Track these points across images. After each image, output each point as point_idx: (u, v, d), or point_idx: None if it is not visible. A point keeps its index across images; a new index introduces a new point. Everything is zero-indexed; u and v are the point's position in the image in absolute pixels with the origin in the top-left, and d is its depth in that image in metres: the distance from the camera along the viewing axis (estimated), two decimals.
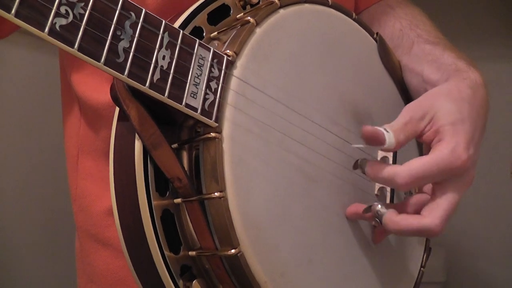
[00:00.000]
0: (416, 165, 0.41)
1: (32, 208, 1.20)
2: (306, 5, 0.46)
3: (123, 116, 0.39)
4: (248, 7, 0.44)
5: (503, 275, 1.54)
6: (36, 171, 1.20)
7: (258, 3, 0.44)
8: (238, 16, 0.43)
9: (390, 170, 0.41)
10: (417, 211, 0.44)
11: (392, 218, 0.42)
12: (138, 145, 0.37)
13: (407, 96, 0.55)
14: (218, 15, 0.42)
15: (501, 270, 1.55)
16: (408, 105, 0.45)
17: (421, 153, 0.55)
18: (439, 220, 0.42)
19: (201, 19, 0.41)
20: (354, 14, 0.51)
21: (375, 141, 0.42)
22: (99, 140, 0.54)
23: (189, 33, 0.39)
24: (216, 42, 0.41)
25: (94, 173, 0.55)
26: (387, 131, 0.42)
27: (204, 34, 0.41)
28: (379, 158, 0.48)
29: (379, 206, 0.43)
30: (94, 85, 0.52)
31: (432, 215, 0.42)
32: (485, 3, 1.56)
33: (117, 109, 0.40)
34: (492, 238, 1.56)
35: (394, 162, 0.49)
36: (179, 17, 0.41)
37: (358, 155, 0.47)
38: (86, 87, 0.53)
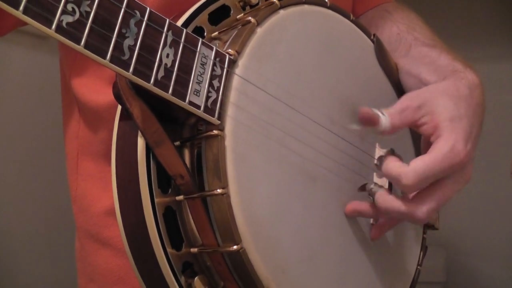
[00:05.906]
0: (421, 165, 0.42)
1: (32, 209, 1.20)
2: (306, 6, 0.46)
3: (125, 115, 0.39)
4: (247, 8, 0.45)
5: (503, 275, 1.55)
6: (37, 172, 1.21)
7: (258, 4, 0.45)
8: (238, 16, 0.44)
9: (398, 170, 0.42)
10: None
11: (384, 196, 0.44)
12: (141, 143, 0.37)
13: None
14: (219, 16, 0.43)
15: (501, 270, 1.55)
16: (406, 94, 0.46)
17: (416, 149, 0.56)
18: (426, 209, 0.43)
19: (202, 19, 0.42)
20: (351, 16, 0.51)
21: (370, 122, 0.43)
22: (98, 141, 0.54)
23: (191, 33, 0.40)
24: (217, 42, 0.42)
25: (94, 174, 0.55)
26: (384, 114, 0.43)
27: (205, 34, 0.42)
28: (376, 156, 0.48)
29: (373, 184, 0.46)
30: (93, 87, 0.52)
31: (422, 202, 0.43)
32: (485, 3, 1.57)
33: (119, 108, 0.40)
34: (492, 238, 1.56)
35: None
36: (180, 17, 0.41)
37: (358, 155, 0.48)
38: (85, 89, 0.53)
